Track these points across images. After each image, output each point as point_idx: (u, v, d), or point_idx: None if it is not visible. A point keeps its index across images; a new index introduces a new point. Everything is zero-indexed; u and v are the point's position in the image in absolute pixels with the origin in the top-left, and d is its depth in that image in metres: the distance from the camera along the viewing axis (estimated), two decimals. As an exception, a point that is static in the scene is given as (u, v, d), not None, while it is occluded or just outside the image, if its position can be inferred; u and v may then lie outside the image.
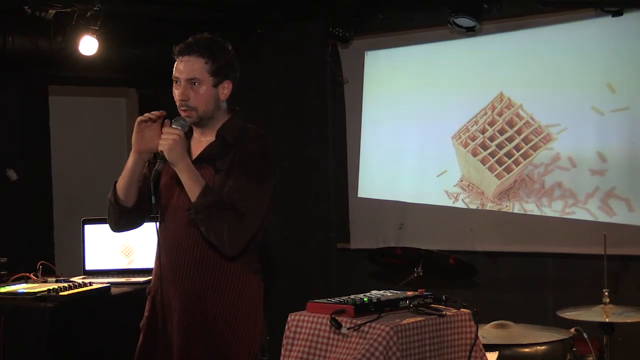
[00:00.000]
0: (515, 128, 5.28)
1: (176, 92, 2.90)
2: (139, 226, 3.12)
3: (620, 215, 4.92)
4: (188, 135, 2.98)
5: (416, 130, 5.73)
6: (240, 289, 2.90)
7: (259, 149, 2.90)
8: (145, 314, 3.02)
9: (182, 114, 2.90)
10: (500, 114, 5.34)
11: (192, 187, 2.78)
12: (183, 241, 2.89)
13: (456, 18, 5.11)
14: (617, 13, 4.83)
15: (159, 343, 2.95)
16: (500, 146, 5.35)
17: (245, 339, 2.89)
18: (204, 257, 2.87)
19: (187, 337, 2.86)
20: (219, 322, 2.87)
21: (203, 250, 2.86)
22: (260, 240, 2.99)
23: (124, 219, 3.02)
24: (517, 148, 5.28)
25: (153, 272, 3.03)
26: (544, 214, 5.18)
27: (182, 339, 2.86)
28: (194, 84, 2.87)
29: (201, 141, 2.98)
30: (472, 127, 5.45)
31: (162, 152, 2.79)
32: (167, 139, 2.78)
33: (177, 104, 2.91)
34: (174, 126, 2.84)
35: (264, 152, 2.92)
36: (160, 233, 2.96)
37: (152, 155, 2.94)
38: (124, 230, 3.13)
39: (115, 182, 2.98)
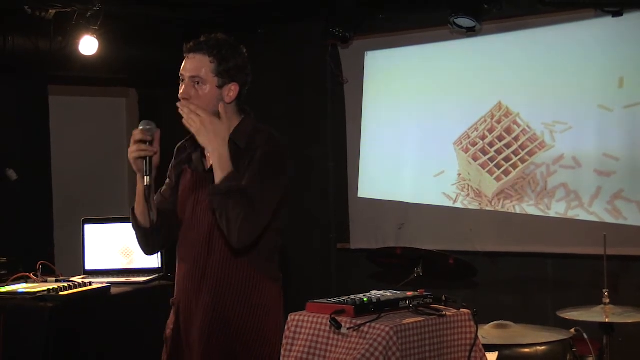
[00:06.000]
0: (513, 135, 5.30)
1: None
2: (168, 244, 3.07)
3: (631, 219, 4.89)
4: (199, 144, 2.96)
5: (416, 131, 5.74)
6: (260, 297, 2.85)
7: (269, 149, 2.83)
8: (171, 325, 2.99)
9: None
10: (499, 122, 5.36)
11: (218, 169, 2.72)
12: (202, 251, 2.85)
13: (456, 18, 5.11)
14: (617, 13, 4.84)
15: (185, 355, 2.93)
16: (499, 152, 5.36)
17: (266, 346, 2.86)
18: (223, 266, 2.83)
19: (209, 346, 2.83)
20: (240, 330, 2.84)
21: (222, 259, 2.83)
22: (280, 246, 2.95)
23: (150, 240, 2.97)
24: (515, 153, 5.29)
25: (175, 282, 3.01)
26: (546, 215, 5.18)
27: (203, 348, 2.84)
28: (197, 83, 2.80)
29: None
30: (472, 133, 5.46)
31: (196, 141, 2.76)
32: (195, 122, 2.73)
33: None
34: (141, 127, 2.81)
35: (275, 151, 2.84)
36: (179, 244, 2.95)
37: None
38: (156, 251, 3.13)
39: (133, 208, 2.93)
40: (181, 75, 2.84)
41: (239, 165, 2.79)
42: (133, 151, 2.80)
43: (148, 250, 3.05)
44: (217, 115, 2.83)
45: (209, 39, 2.83)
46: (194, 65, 2.80)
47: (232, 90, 2.84)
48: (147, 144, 2.81)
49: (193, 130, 2.74)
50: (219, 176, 2.72)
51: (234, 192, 2.68)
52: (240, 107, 2.93)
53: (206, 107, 2.80)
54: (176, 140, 3.04)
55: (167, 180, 3.05)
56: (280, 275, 2.96)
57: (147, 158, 2.80)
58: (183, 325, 2.94)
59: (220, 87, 2.82)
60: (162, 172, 3.00)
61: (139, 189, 2.85)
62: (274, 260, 2.94)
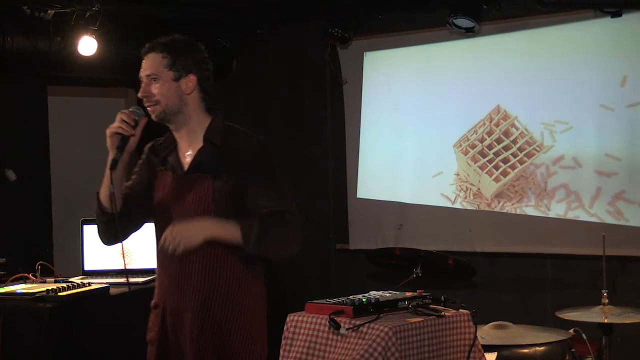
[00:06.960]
0: (511, 138, 5.30)
1: None
2: (128, 236, 3.07)
3: (632, 220, 4.87)
4: (173, 146, 2.97)
5: (415, 131, 5.73)
6: (245, 296, 2.90)
7: (259, 151, 2.89)
8: (155, 328, 2.99)
9: (148, 109, 2.90)
10: (497, 125, 5.36)
11: (232, 237, 2.80)
12: (187, 253, 2.85)
13: (455, 19, 5.11)
14: (616, 14, 4.84)
15: (173, 355, 2.94)
16: (497, 154, 5.36)
17: (256, 342, 2.92)
18: (208, 267, 2.86)
19: (201, 346, 2.86)
20: (230, 329, 2.88)
21: (207, 260, 2.85)
22: None
23: (112, 228, 2.94)
24: (514, 155, 5.30)
25: (157, 285, 3.01)
26: (545, 216, 5.18)
27: (195, 348, 2.87)
28: (154, 80, 2.87)
29: (189, 149, 2.94)
30: (471, 135, 5.46)
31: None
32: (176, 239, 2.75)
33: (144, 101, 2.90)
34: (130, 111, 2.87)
35: (265, 154, 2.91)
36: (162, 248, 2.94)
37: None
38: (116, 242, 3.04)
39: (98, 192, 2.94)
40: (140, 77, 2.90)
41: (218, 162, 2.84)
42: (113, 127, 2.86)
43: (109, 238, 3.01)
44: (180, 108, 2.87)
45: (162, 38, 2.91)
46: (148, 64, 2.88)
47: (190, 81, 2.88)
48: (130, 126, 2.87)
49: (180, 249, 2.76)
50: (236, 237, 2.79)
51: (263, 232, 2.79)
52: (207, 107, 2.96)
53: (167, 99, 2.86)
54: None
55: (134, 176, 3.05)
56: (263, 272, 3.00)
57: (123, 137, 2.85)
58: (170, 327, 2.94)
59: (176, 80, 2.87)
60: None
61: (106, 172, 2.86)
62: (257, 259, 2.96)
